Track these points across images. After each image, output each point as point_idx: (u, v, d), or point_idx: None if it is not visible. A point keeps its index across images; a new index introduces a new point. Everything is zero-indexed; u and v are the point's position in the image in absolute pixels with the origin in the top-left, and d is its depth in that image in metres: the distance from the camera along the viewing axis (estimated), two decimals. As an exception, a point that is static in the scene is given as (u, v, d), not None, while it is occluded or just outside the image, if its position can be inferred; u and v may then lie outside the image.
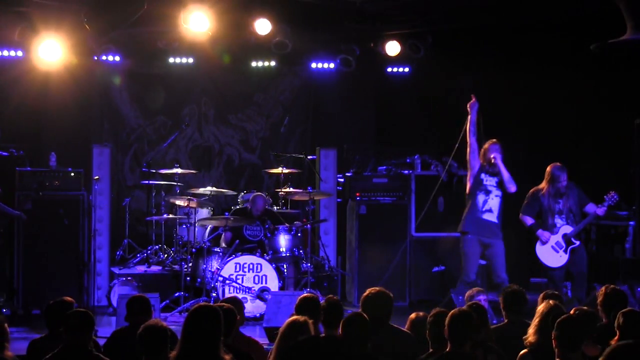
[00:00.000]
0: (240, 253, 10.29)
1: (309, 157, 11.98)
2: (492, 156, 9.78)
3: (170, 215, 11.47)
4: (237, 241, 10.55)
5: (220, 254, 10.36)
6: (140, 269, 11.25)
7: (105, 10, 10.32)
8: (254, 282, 10.11)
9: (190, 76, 12.78)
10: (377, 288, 6.43)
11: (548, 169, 9.81)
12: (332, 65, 12.60)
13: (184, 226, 11.15)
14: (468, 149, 9.89)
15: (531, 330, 5.99)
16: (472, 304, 6.60)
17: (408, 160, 11.69)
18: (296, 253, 10.59)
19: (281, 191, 11.54)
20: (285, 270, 10.47)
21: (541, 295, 6.94)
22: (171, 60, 12.25)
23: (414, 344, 6.20)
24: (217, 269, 10.10)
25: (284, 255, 10.55)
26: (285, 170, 11.69)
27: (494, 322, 7.77)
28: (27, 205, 10.39)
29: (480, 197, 9.89)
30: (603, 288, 6.88)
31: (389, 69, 12.93)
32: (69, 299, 6.53)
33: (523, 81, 11.57)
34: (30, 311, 10.20)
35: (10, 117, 11.48)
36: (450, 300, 9.33)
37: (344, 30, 11.85)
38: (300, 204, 11.74)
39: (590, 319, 6.12)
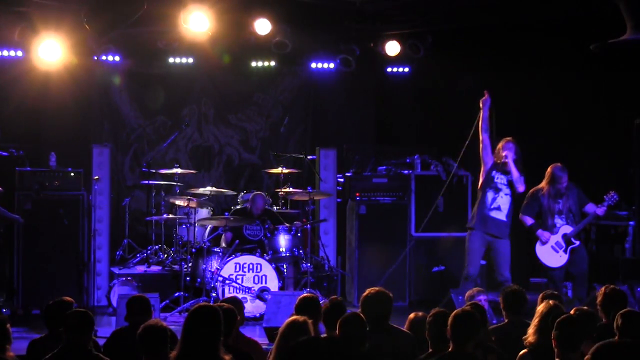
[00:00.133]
0: (240, 253, 10.28)
1: (308, 157, 11.97)
2: (503, 154, 9.77)
3: (170, 215, 11.47)
4: (237, 241, 10.54)
5: (220, 254, 10.35)
6: (140, 269, 11.24)
7: (105, 10, 10.31)
8: (254, 282, 10.10)
9: (190, 76, 12.78)
10: (377, 288, 6.41)
11: (549, 169, 9.78)
12: (332, 65, 12.59)
13: (184, 226, 11.15)
14: (480, 145, 9.84)
15: (531, 330, 5.99)
16: (472, 303, 6.60)
17: (408, 160, 11.68)
18: (296, 253, 10.59)
19: (281, 191, 11.53)
20: (285, 270, 10.48)
21: (541, 295, 6.94)
22: (171, 60, 12.24)
23: (414, 344, 6.19)
24: (217, 269, 10.10)
25: (283, 255, 10.55)
26: (285, 170, 11.69)
27: (494, 322, 7.77)
28: (27, 206, 10.39)
29: (490, 194, 9.85)
30: (603, 288, 6.88)
31: (389, 69, 12.93)
32: (68, 299, 6.54)
33: (523, 81, 11.56)
34: (30, 311, 10.21)
35: (10, 117, 11.49)
36: (450, 300, 9.32)
37: (343, 30, 11.85)
38: (300, 204, 11.72)
39: (590, 319, 6.12)
